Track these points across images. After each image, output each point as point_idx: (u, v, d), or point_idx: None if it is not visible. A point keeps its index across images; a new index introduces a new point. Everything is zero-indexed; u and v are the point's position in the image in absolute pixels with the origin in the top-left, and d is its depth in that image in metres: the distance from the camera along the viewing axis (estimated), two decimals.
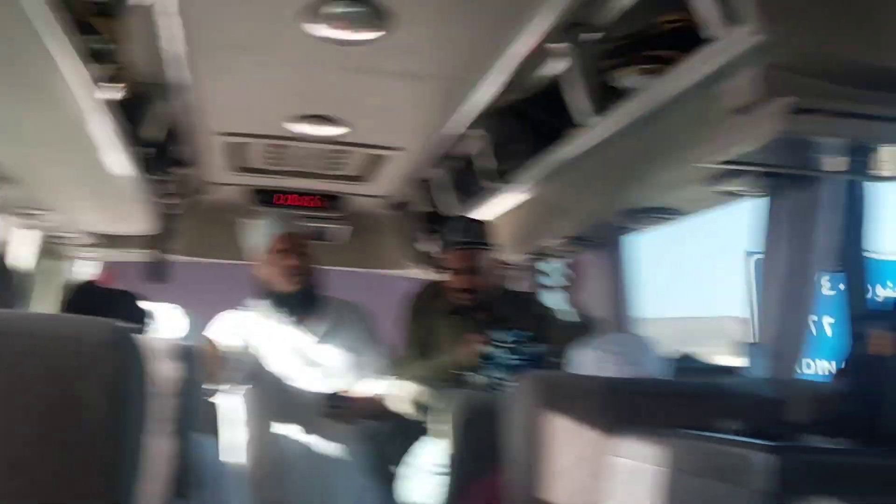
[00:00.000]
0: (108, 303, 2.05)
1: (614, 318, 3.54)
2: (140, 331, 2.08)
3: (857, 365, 1.51)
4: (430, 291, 3.41)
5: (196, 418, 1.95)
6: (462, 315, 3.17)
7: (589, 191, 2.90)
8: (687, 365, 3.42)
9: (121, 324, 0.87)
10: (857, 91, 1.54)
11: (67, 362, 0.81)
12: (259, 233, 3.19)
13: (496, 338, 2.90)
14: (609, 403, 1.74)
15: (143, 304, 2.22)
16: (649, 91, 1.86)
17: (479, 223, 3.23)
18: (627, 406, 1.76)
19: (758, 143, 1.65)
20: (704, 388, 1.86)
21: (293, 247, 3.15)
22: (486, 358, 2.83)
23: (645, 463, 1.61)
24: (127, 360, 0.83)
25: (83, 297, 2.22)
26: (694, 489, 1.44)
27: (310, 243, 3.24)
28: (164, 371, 1.56)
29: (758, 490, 1.24)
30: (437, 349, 3.15)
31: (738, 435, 1.58)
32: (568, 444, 1.73)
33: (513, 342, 2.88)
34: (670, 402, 1.77)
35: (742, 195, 2.53)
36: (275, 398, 3.12)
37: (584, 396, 1.76)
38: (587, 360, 2.09)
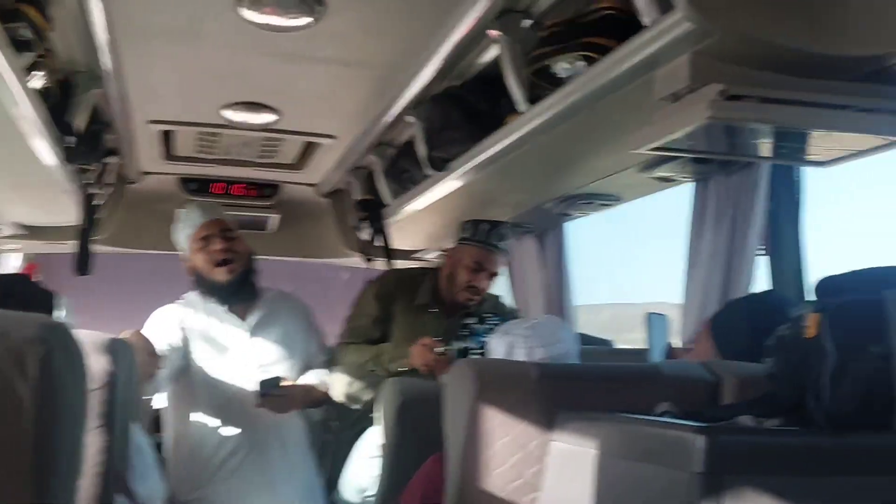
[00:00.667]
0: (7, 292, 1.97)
1: (550, 306, 3.57)
2: None
3: (784, 347, 1.53)
4: (403, 279, 3.37)
5: (129, 412, 1.92)
6: (436, 313, 3.15)
7: (526, 177, 2.91)
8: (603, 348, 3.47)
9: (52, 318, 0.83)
10: (785, 78, 1.56)
11: None
12: (184, 222, 3.13)
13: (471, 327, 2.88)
14: (545, 388, 1.75)
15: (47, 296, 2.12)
16: (585, 78, 1.87)
17: (507, 229, 3.20)
18: (564, 391, 1.77)
19: (689, 129, 1.67)
20: (639, 371, 1.88)
21: (219, 233, 3.09)
22: (459, 352, 2.76)
23: (581, 447, 1.62)
24: (58, 355, 0.80)
25: None
26: (630, 472, 1.46)
27: (237, 230, 3.17)
28: (94, 365, 1.53)
29: (692, 471, 1.26)
30: (393, 340, 3.12)
31: (672, 417, 1.61)
32: (505, 429, 1.74)
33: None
34: (606, 386, 1.79)
35: (676, 181, 2.56)
36: (204, 393, 3.06)
37: (519, 382, 1.77)
38: (499, 347, 2.10)
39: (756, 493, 1.25)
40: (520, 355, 2.05)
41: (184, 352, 3.05)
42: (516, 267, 3.89)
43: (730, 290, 2.49)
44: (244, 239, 3.18)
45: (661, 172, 2.43)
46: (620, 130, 2.15)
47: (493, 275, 3.18)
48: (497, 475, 1.73)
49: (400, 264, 3.96)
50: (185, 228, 3.12)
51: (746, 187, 2.43)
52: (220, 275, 3.06)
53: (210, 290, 3.10)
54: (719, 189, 2.51)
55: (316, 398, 3.11)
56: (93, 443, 1.52)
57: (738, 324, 2.31)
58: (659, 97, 1.64)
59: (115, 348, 1.56)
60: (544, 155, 2.54)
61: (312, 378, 3.13)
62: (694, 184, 2.59)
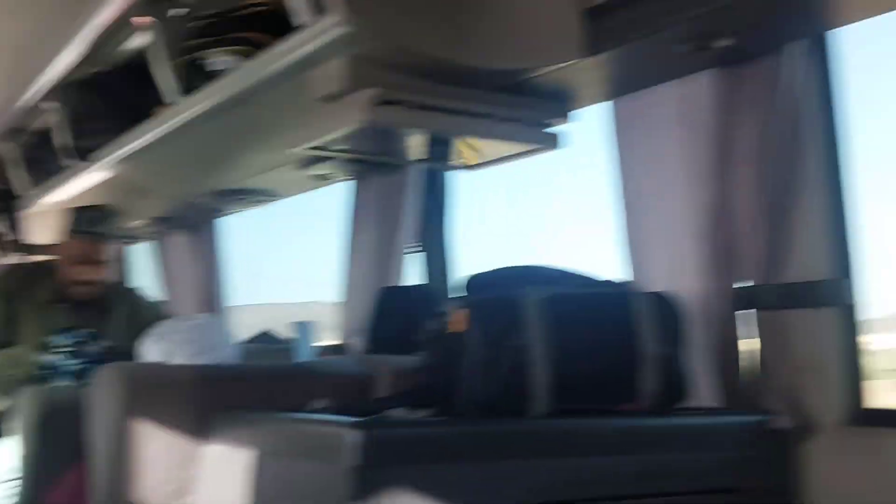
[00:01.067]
0: None
1: (203, 304, 3.50)
2: None
3: (435, 340, 1.61)
4: (21, 275, 3.11)
5: None
6: (65, 308, 2.95)
7: (177, 171, 2.81)
8: (264, 343, 3.46)
9: None
10: (437, 86, 1.64)
11: None
12: None
13: (55, 343, 2.73)
14: (199, 391, 1.71)
15: None
16: (240, 73, 1.84)
17: (108, 212, 3.02)
18: (219, 393, 1.74)
19: (345, 130, 1.70)
20: (295, 369, 1.90)
21: None
22: (45, 367, 2.63)
23: (235, 448, 1.60)
24: None
25: None
26: (287, 470, 1.46)
27: None
28: None
29: (346, 465, 1.28)
30: (19, 341, 2.89)
31: (328, 413, 1.63)
32: (157, 435, 1.68)
33: (73, 345, 2.72)
34: (262, 386, 1.78)
35: (332, 179, 2.60)
36: None
37: (172, 385, 1.71)
38: (155, 352, 2.01)
39: (410, 483, 1.30)
40: (178, 361, 1.97)
41: None
42: (169, 262, 3.76)
43: (386, 283, 2.58)
44: None
45: (317, 170, 2.46)
46: (277, 128, 2.14)
47: (100, 263, 3.04)
48: (148, 480, 1.66)
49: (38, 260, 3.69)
50: None
51: (399, 187, 2.53)
52: None
53: None
54: (374, 188, 2.59)
55: None
56: None
57: (389, 314, 2.40)
58: (316, 97, 1.66)
59: None
60: (198, 149, 2.48)
61: None
62: (356, 182, 2.64)
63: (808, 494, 1.63)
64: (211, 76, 1.97)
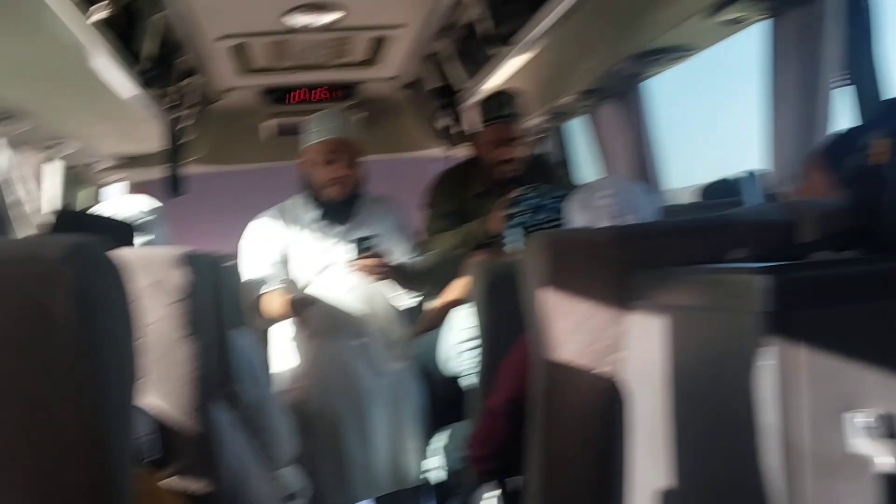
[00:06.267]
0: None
1: (636, 172, 3.51)
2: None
3: (858, 176, 1.48)
4: (458, 173, 3.43)
5: (225, 319, 1.99)
6: (494, 193, 3.17)
7: (594, 41, 2.84)
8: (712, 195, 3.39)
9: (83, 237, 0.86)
10: None
11: (26, 284, 0.81)
12: (317, 128, 3.16)
13: (522, 198, 2.88)
14: (619, 250, 1.74)
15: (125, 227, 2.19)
16: None
17: (511, 95, 3.22)
18: (639, 252, 1.75)
19: None
20: (712, 222, 1.84)
21: (346, 156, 3.13)
22: (510, 218, 2.76)
23: (656, 305, 1.62)
24: (90, 274, 0.83)
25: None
26: (701, 322, 1.45)
27: (359, 150, 3.18)
28: (173, 279, 1.60)
29: (756, 311, 1.25)
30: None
31: (747, 263, 1.58)
32: (582, 295, 1.74)
33: (536, 200, 2.82)
34: (680, 241, 1.76)
35: (745, 21, 2.45)
36: (315, 307, 3.18)
37: (595, 248, 1.75)
38: (578, 218, 2.07)
39: (824, 326, 1.23)
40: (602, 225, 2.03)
41: (284, 260, 3.16)
42: (602, 136, 3.83)
43: (813, 128, 2.39)
44: (361, 165, 3.21)
45: (729, 14, 2.33)
46: None
47: (514, 141, 3.22)
48: (578, 340, 1.74)
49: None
50: (316, 134, 3.15)
51: (819, 17, 2.30)
52: (332, 193, 3.14)
53: (315, 199, 3.18)
54: (791, 23, 2.38)
55: (404, 274, 3.21)
56: (182, 351, 1.60)
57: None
58: None
59: (191, 261, 1.62)
60: (606, 13, 2.47)
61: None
62: (772, 20, 2.46)
63: None
64: None
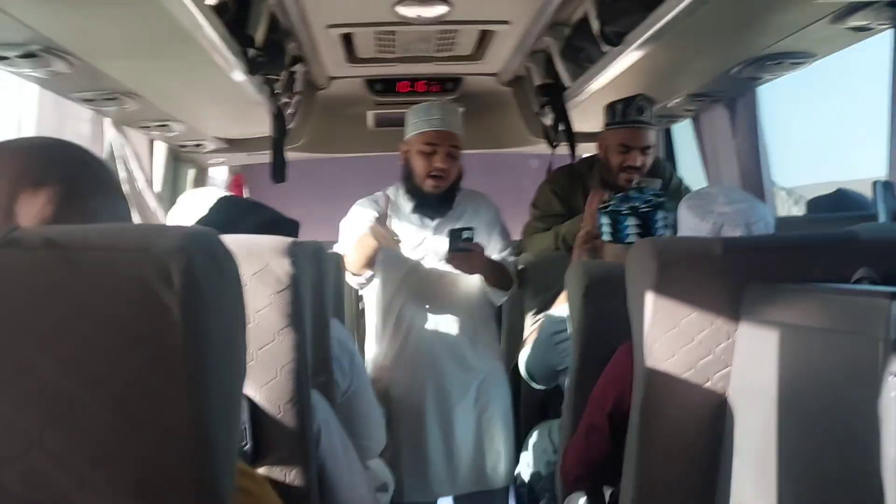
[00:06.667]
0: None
1: (746, 178, 3.41)
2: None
3: None
4: (573, 173, 3.40)
5: (327, 309, 2.00)
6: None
7: (707, 42, 2.74)
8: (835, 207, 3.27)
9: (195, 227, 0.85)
10: None
11: (138, 274, 0.81)
12: (422, 118, 3.15)
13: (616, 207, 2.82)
14: (731, 262, 1.67)
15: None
16: None
17: (650, 100, 3.17)
18: (752, 264, 1.68)
19: None
20: (833, 238, 1.75)
21: (447, 148, 3.11)
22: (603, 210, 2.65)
23: (771, 319, 1.56)
24: (202, 263, 0.82)
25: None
26: (820, 342, 1.39)
27: (460, 143, 3.17)
28: (277, 268, 1.60)
29: (889, 339, 1.18)
30: None
31: (869, 284, 1.50)
32: (690, 306, 1.68)
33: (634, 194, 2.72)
34: (797, 256, 1.69)
35: (872, 30, 2.34)
36: (392, 286, 3.17)
37: (703, 257, 1.69)
38: (693, 224, 2.01)
39: None
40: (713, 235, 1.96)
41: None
42: (707, 140, 3.73)
43: None
44: (461, 160, 3.19)
45: (855, 21, 2.22)
46: None
47: (644, 150, 3.16)
48: (684, 352, 1.68)
49: (584, 147, 3.91)
50: (420, 124, 3.15)
51: None
52: (428, 186, 3.14)
53: (411, 190, 3.17)
54: None
55: (497, 270, 3.16)
56: (284, 342, 1.60)
57: None
58: None
59: (296, 251, 1.62)
60: (724, 15, 2.38)
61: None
62: (893, 31, 2.35)
63: None
64: None
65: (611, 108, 3.20)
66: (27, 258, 0.81)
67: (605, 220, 2.58)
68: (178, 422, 0.81)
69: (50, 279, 0.80)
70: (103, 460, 0.81)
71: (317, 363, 1.82)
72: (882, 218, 2.39)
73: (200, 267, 0.81)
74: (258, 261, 1.57)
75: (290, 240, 1.63)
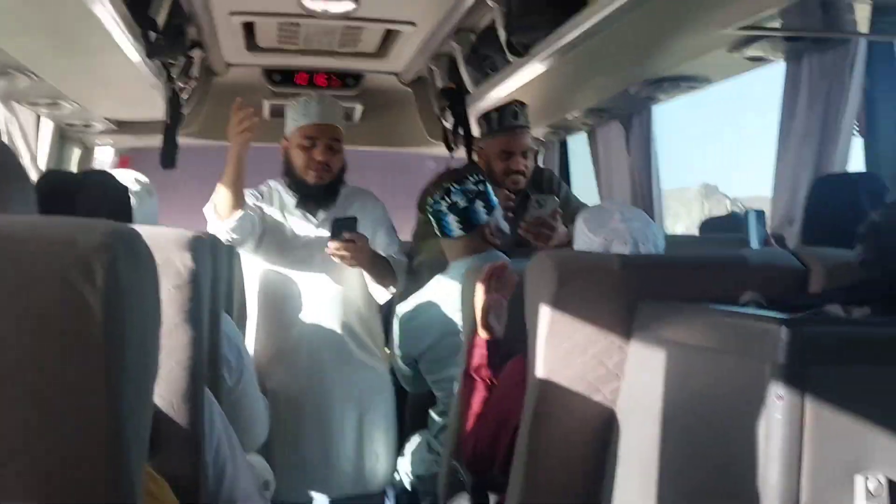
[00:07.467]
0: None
1: (637, 192, 3.51)
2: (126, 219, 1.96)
3: (877, 232, 1.47)
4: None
5: (219, 305, 1.96)
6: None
7: (610, 61, 2.82)
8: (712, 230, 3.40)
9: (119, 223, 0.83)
10: None
11: (61, 269, 0.78)
12: (300, 112, 3.09)
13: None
14: (628, 279, 1.72)
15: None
16: None
17: (524, 104, 3.19)
18: (647, 281, 1.74)
19: (779, 5, 1.58)
20: (724, 260, 1.83)
21: (327, 141, 3.06)
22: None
23: (663, 337, 1.60)
24: (126, 261, 0.81)
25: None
26: (711, 363, 1.44)
27: (341, 136, 3.12)
28: (177, 262, 1.56)
29: (775, 363, 1.23)
30: None
31: (757, 307, 1.57)
32: (586, 319, 1.72)
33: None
34: (689, 276, 1.75)
35: (765, 60, 2.45)
36: (274, 280, 3.13)
37: (601, 272, 1.74)
38: (582, 241, 2.05)
39: (841, 385, 1.22)
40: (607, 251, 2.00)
41: (258, 233, 3.10)
42: (601, 154, 3.82)
43: (822, 174, 2.39)
44: (343, 154, 3.15)
45: (750, 52, 2.32)
46: (709, 8, 2.05)
47: (524, 154, 3.20)
48: (578, 365, 1.73)
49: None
50: (298, 118, 3.08)
51: (839, 66, 2.30)
52: (310, 178, 3.08)
53: (293, 184, 3.12)
54: (810, 68, 2.38)
55: (382, 264, 3.10)
56: (178, 338, 1.57)
57: (827, 205, 2.23)
58: None
59: (197, 245, 1.58)
60: (628, 37, 2.45)
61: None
62: (789, 63, 2.46)
63: None
64: None
65: (486, 117, 3.21)
66: None
67: (431, 219, 2.74)
68: (95, 417, 0.80)
69: None
70: (17, 452, 0.79)
71: (209, 360, 1.79)
72: (754, 244, 2.49)
73: (123, 264, 0.80)
74: (158, 253, 1.53)
75: (191, 233, 1.59)
